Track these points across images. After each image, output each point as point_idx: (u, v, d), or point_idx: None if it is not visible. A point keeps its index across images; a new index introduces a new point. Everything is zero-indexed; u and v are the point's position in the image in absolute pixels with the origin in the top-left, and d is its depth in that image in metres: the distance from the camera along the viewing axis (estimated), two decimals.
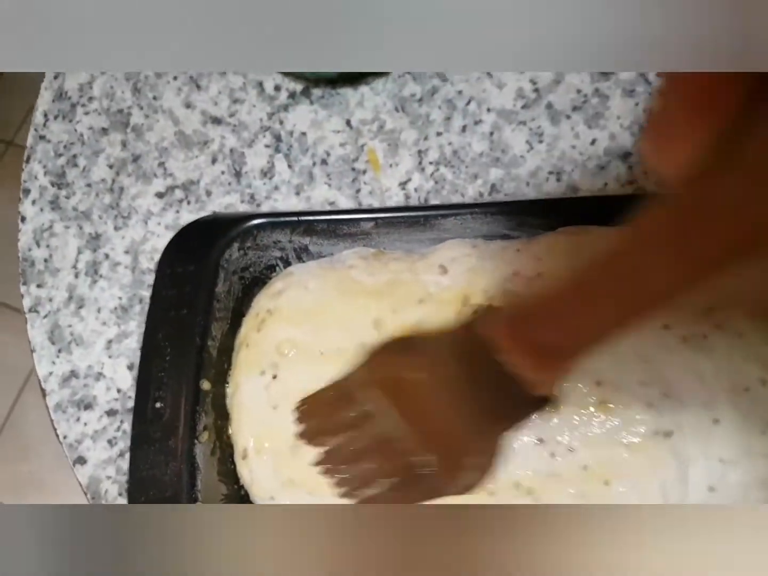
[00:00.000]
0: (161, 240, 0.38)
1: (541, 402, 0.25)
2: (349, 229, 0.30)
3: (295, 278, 0.29)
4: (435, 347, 0.25)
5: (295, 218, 0.29)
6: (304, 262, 0.31)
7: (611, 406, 0.24)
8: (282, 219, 0.29)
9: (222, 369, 0.28)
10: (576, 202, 0.30)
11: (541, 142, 0.38)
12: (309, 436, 0.26)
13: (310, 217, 0.29)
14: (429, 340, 0.26)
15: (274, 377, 0.26)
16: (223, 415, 0.27)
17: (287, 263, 0.31)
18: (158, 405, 0.26)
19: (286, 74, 0.40)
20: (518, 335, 0.23)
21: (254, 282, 0.31)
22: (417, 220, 0.29)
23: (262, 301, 0.29)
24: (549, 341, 0.22)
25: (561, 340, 0.22)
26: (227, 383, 0.28)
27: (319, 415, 0.26)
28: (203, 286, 0.28)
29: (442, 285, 0.26)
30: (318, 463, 0.25)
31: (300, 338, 0.26)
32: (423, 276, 0.26)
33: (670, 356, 0.23)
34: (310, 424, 0.26)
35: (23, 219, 0.39)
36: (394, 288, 0.26)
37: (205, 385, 0.27)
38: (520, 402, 0.24)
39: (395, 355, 0.26)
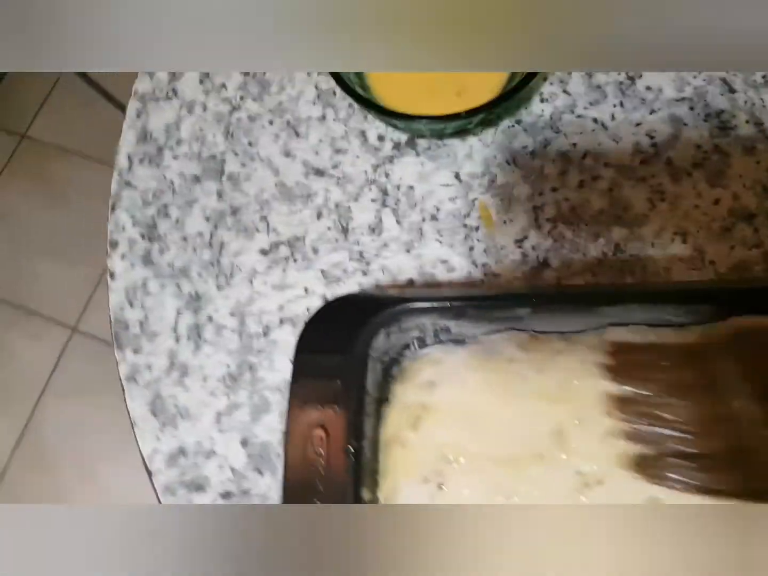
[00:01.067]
0: (269, 301, 0.36)
1: None
2: (501, 314, 0.28)
3: (448, 369, 0.27)
4: None
5: (447, 303, 0.27)
6: (441, 342, 0.30)
7: None
8: (432, 304, 0.27)
9: (374, 468, 0.26)
10: (745, 293, 0.28)
11: (663, 200, 0.37)
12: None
13: (464, 303, 0.27)
14: None
15: (440, 487, 0.24)
16: None
17: (423, 343, 0.30)
18: None
19: (390, 124, 0.38)
20: None
21: (391, 364, 0.29)
22: (578, 307, 0.27)
23: (410, 393, 0.27)
24: None
25: None
26: (378, 485, 0.26)
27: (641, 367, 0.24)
28: (354, 379, 0.26)
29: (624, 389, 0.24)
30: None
31: (465, 443, 0.25)
32: (599, 376, 0.25)
33: None
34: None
35: (112, 275, 0.37)
36: (569, 391, 0.25)
37: (366, 494, 0.25)
38: None
39: None
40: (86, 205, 1.21)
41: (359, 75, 0.38)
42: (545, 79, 0.40)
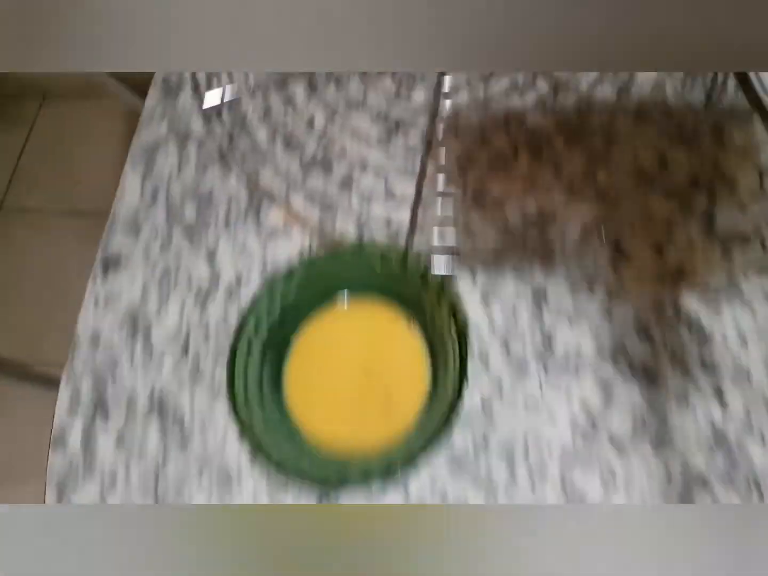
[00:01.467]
0: None
1: None
2: None
3: None
4: None
5: None
6: None
7: None
8: None
9: None
10: None
11: (614, 481, 0.36)
12: None
13: None
14: None
15: None
16: None
17: None
18: None
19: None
20: None
21: None
22: None
23: None
24: None
25: None
26: None
27: None
28: None
29: None
30: None
31: None
32: None
33: None
34: None
35: None
36: None
37: None
38: None
39: None
40: (22, 428, 1.14)
41: (284, 421, 0.37)
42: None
